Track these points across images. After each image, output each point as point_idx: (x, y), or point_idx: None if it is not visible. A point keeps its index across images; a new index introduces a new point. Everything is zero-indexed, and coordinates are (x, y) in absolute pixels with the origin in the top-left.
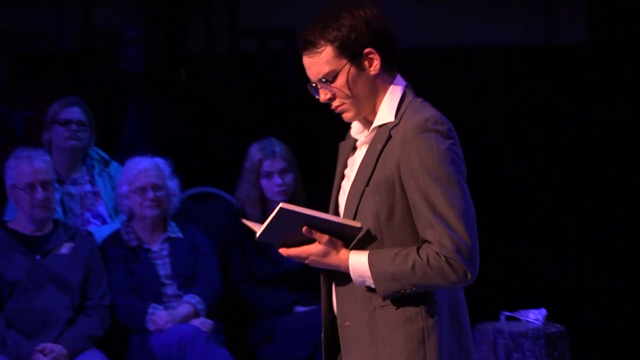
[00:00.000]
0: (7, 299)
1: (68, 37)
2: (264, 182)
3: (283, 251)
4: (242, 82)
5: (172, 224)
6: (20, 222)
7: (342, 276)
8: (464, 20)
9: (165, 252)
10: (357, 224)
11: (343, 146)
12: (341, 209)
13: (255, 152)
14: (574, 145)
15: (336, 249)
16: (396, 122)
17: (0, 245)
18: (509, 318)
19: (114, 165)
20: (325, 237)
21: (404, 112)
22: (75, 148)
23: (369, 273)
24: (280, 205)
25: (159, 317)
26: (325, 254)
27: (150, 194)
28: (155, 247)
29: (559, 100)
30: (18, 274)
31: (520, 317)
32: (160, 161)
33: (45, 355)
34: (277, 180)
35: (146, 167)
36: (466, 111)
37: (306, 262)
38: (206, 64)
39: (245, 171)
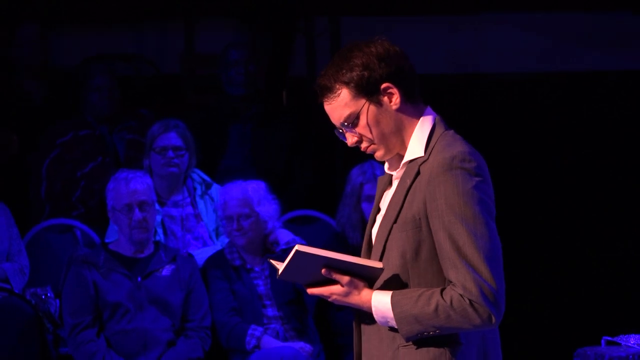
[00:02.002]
0: (108, 321)
1: (171, 60)
2: (365, 206)
3: (309, 290)
4: None
5: (284, 231)
6: (121, 243)
7: (368, 315)
8: (563, 46)
9: (266, 273)
10: (379, 264)
11: (381, 179)
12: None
13: (356, 175)
14: None
15: (358, 289)
16: (425, 158)
17: (102, 267)
18: (609, 343)
19: (216, 187)
20: (346, 279)
21: (433, 146)
22: (173, 174)
23: (391, 314)
24: (296, 247)
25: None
26: (346, 294)
27: (235, 225)
28: (257, 268)
29: None
30: (119, 296)
31: (621, 342)
32: (251, 187)
33: None
34: None
35: (233, 197)
36: (563, 135)
37: (330, 300)
38: (308, 88)
39: (346, 195)
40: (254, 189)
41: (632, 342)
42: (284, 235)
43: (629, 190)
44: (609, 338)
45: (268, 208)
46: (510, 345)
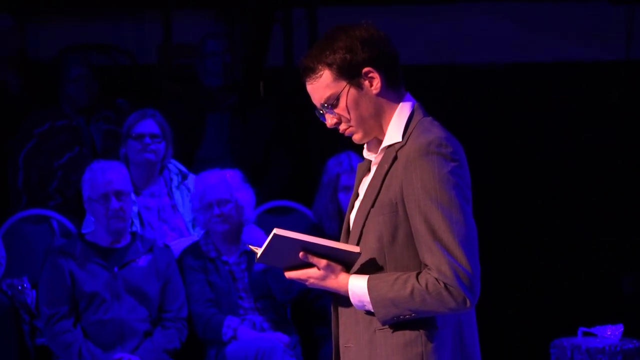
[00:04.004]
0: (84, 311)
1: (148, 50)
2: (341, 196)
3: (287, 274)
4: None
5: (252, 226)
6: (97, 234)
7: (345, 299)
8: (541, 37)
9: (243, 265)
10: (356, 249)
11: (360, 166)
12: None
13: (333, 166)
14: None
15: (335, 273)
16: (403, 143)
17: (78, 257)
18: (586, 334)
19: (192, 178)
20: (323, 262)
21: (411, 132)
22: (150, 161)
23: (368, 298)
24: (274, 231)
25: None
26: (323, 278)
27: (216, 210)
28: (232, 259)
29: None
30: (96, 286)
31: (598, 333)
32: (228, 173)
33: None
34: None
35: (212, 183)
36: (540, 125)
37: (307, 284)
38: (285, 78)
39: (323, 185)
40: (232, 176)
41: (608, 333)
42: (249, 233)
43: (606, 182)
44: (586, 329)
45: (245, 195)
46: (487, 337)
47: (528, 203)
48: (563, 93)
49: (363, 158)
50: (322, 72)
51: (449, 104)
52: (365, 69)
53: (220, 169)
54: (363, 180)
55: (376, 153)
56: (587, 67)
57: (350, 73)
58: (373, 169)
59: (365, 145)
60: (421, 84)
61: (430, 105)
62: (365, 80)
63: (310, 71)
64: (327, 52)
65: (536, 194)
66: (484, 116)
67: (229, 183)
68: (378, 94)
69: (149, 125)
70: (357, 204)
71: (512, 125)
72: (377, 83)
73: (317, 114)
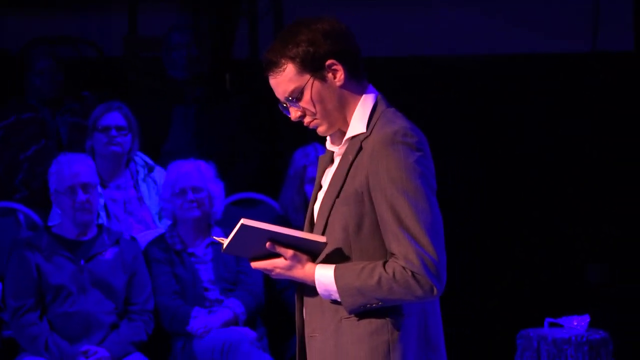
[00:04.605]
0: (51, 304)
1: (113, 43)
2: (308, 188)
3: (253, 264)
4: None
5: (217, 228)
6: (64, 226)
7: (311, 289)
8: (510, 28)
9: (208, 257)
10: (322, 239)
11: (322, 158)
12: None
13: (299, 158)
14: (619, 153)
15: (301, 263)
16: (367, 134)
17: (44, 249)
18: (552, 324)
19: (158, 170)
20: (290, 252)
21: (375, 123)
22: (116, 154)
23: (334, 287)
24: (242, 221)
25: (197, 323)
26: (290, 268)
27: (190, 196)
28: (198, 252)
29: (606, 108)
30: (62, 279)
31: (564, 324)
32: (202, 164)
33: (88, 357)
34: None
35: (187, 170)
36: (511, 118)
37: (273, 274)
38: (251, 71)
39: (289, 177)
40: (206, 167)
41: (574, 324)
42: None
43: (578, 171)
44: (552, 320)
45: (217, 188)
46: (454, 328)
47: (499, 194)
48: (536, 86)
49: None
50: (285, 66)
51: (418, 97)
52: (329, 62)
53: (194, 159)
54: (326, 171)
55: (339, 145)
56: (556, 59)
57: (313, 66)
58: (337, 160)
59: (328, 137)
60: (391, 77)
61: (400, 97)
62: (328, 72)
63: (274, 65)
64: (290, 46)
65: (508, 185)
66: (458, 109)
67: (203, 173)
68: (341, 86)
69: (115, 118)
70: (320, 195)
71: (488, 118)
72: (340, 75)
73: (280, 108)
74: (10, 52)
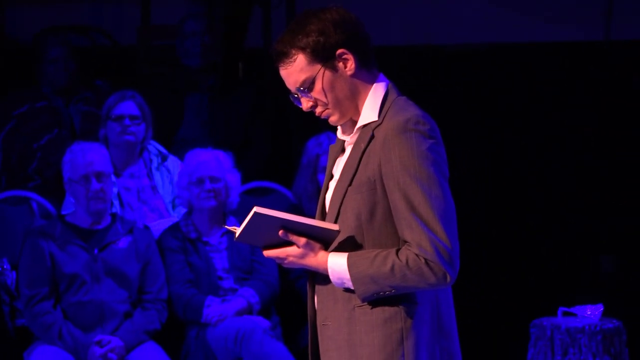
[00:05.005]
0: (64, 292)
1: (127, 31)
2: (321, 177)
3: (265, 252)
4: None
5: (232, 218)
6: (77, 215)
7: (323, 277)
8: (520, 16)
9: (223, 246)
10: (335, 226)
11: (332, 147)
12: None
13: (312, 147)
14: (633, 142)
15: (314, 251)
16: (379, 122)
17: (58, 238)
18: (566, 314)
19: (172, 159)
20: (303, 240)
21: (387, 111)
22: (129, 143)
23: (347, 275)
24: (255, 209)
25: (211, 311)
26: (303, 256)
27: (208, 185)
28: (213, 240)
29: (619, 98)
30: (76, 268)
31: (578, 313)
32: (221, 154)
33: (102, 347)
34: None
35: (205, 160)
36: (523, 107)
37: (285, 263)
38: (264, 60)
39: (303, 166)
40: (224, 156)
41: (588, 313)
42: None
43: (587, 162)
44: (566, 309)
45: (234, 178)
46: (467, 317)
47: (509, 184)
48: (546, 75)
49: None
50: (295, 57)
51: (426, 85)
52: (339, 51)
53: (212, 149)
54: (337, 161)
55: (350, 134)
56: (568, 48)
57: (324, 56)
58: (348, 149)
59: (339, 127)
60: (399, 65)
61: (408, 86)
62: (339, 62)
63: (284, 56)
64: (300, 36)
65: (518, 175)
66: (466, 98)
67: (222, 162)
68: (352, 75)
69: (128, 107)
70: (331, 184)
71: (493, 107)
72: (351, 64)
73: (291, 99)
74: (23, 41)
